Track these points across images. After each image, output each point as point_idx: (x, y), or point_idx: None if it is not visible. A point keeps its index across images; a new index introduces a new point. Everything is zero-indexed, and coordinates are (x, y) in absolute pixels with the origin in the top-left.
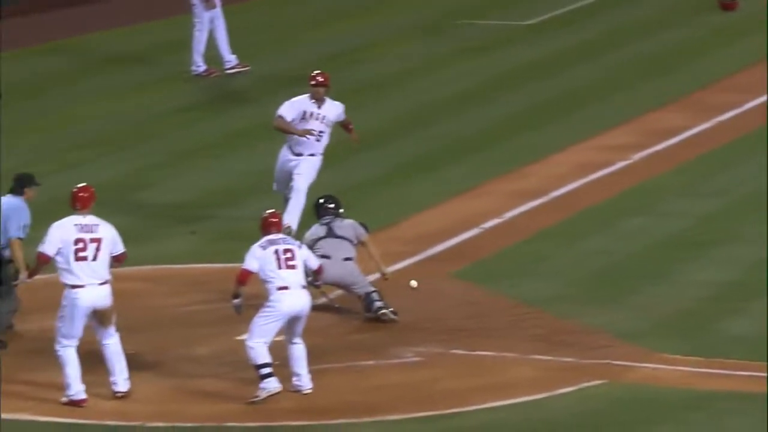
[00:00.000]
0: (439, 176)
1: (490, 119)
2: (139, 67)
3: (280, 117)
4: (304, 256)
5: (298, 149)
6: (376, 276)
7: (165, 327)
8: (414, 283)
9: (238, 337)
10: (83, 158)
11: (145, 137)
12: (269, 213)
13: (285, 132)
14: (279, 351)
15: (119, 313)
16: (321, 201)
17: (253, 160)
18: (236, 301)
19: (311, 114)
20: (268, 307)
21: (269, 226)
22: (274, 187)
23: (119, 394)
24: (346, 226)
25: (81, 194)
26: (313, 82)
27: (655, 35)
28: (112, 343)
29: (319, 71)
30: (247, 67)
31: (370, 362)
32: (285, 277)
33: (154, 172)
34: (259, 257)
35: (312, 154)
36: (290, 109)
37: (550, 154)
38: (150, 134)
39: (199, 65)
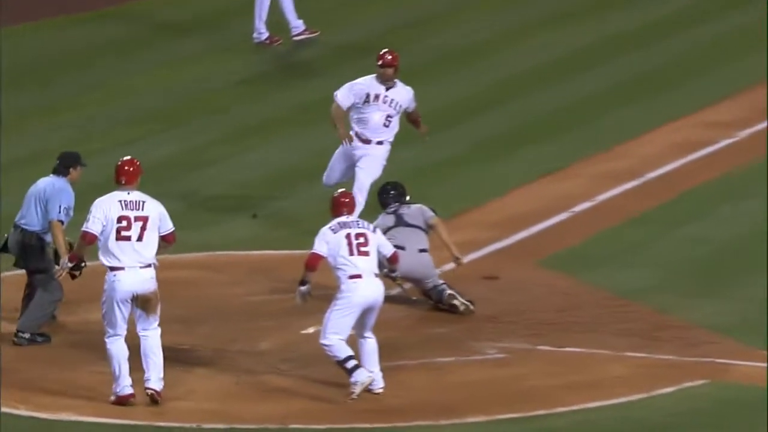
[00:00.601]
0: (524, 156)
1: (579, 93)
2: (195, 35)
3: (337, 106)
4: (377, 241)
5: (365, 134)
6: (445, 268)
7: (224, 319)
8: (311, 330)
9: (305, 331)
10: (135, 135)
11: (202, 112)
12: (340, 192)
13: (333, 124)
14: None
15: (174, 303)
16: (386, 189)
17: (322, 138)
18: (303, 288)
19: (377, 97)
20: (341, 298)
21: (341, 207)
22: (325, 179)
23: (150, 392)
24: (414, 212)
25: (126, 168)
26: (380, 62)
27: (759, 3)
28: (151, 336)
29: (386, 50)
30: (315, 33)
31: (449, 359)
32: (358, 264)
33: (213, 151)
34: (329, 241)
35: (380, 142)
36: (349, 93)
37: (646, 131)
38: (208, 109)
39: (261, 32)
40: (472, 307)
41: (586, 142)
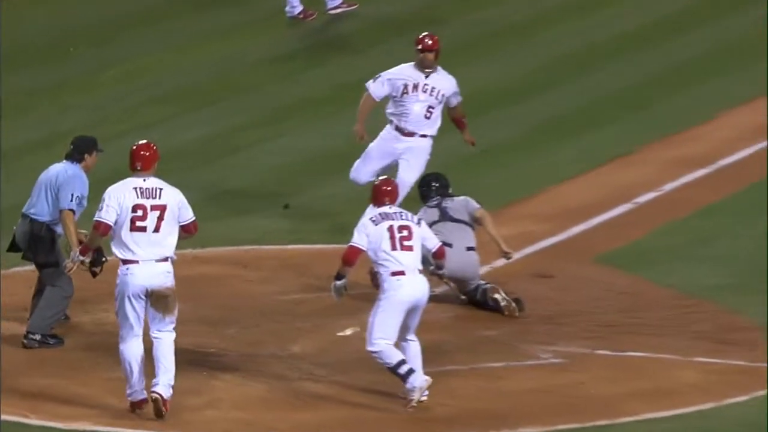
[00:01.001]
0: (582, 141)
1: (647, 71)
2: (224, 8)
3: (368, 96)
4: (422, 234)
5: (407, 127)
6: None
7: (253, 320)
8: (348, 332)
9: (341, 333)
10: (156, 118)
11: (231, 93)
12: (382, 180)
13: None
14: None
15: (198, 302)
16: (427, 180)
17: (370, 120)
18: (338, 282)
19: (416, 86)
20: (383, 298)
21: (382, 195)
22: (353, 173)
23: (154, 396)
24: (458, 205)
25: (142, 152)
26: (419, 47)
27: None
28: (164, 338)
29: (426, 33)
30: (353, 6)
31: (500, 364)
32: (401, 259)
33: (242, 135)
34: (370, 233)
35: (424, 135)
36: (383, 84)
37: (720, 113)
38: (237, 89)
39: (295, 6)
40: (515, 306)
41: (654, 124)
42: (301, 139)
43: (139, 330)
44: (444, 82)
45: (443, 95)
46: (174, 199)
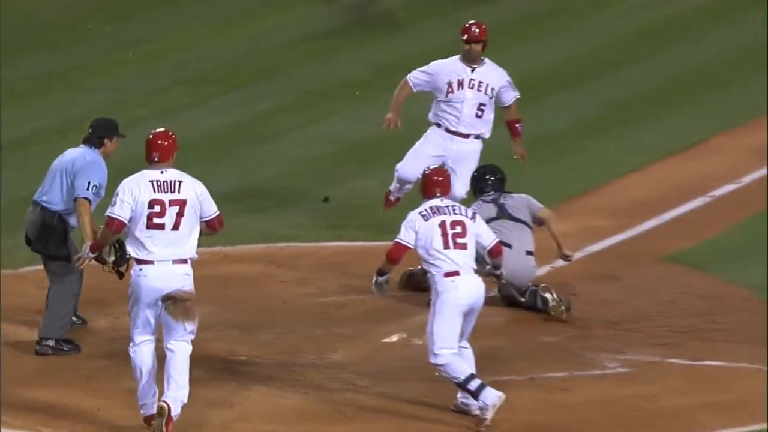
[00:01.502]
0: (652, 127)
1: (722, 49)
2: None
3: (405, 85)
4: (476, 230)
5: (459, 128)
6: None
7: (289, 325)
8: (393, 338)
9: (386, 339)
10: (180, 102)
11: (261, 75)
12: (433, 170)
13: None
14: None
15: (229, 305)
16: (482, 173)
17: (405, 105)
18: (381, 278)
19: (461, 83)
20: (439, 302)
21: (433, 186)
22: (401, 170)
23: (160, 404)
24: (519, 203)
25: (159, 141)
26: (464, 37)
27: None
28: (179, 349)
29: (473, 22)
30: None
31: (561, 373)
32: (455, 258)
33: (274, 121)
34: (419, 230)
35: (478, 136)
36: (425, 79)
37: None
38: (268, 71)
39: None
40: (563, 308)
41: (729, 109)
42: (339, 126)
43: (151, 335)
44: (493, 75)
45: (492, 89)
46: (195, 192)
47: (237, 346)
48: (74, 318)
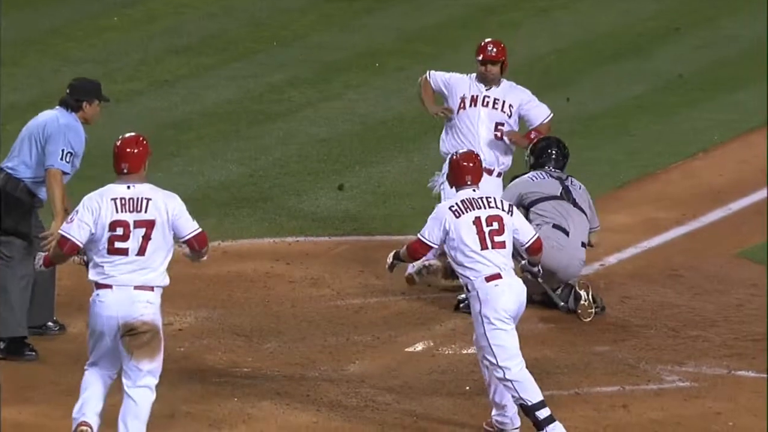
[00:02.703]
0: (724, 103)
1: None
2: None
3: (425, 81)
4: (514, 225)
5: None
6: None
7: (300, 331)
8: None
9: (411, 348)
10: (178, 73)
11: (270, 43)
12: (463, 154)
13: (421, 102)
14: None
15: (232, 308)
16: (545, 146)
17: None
18: (395, 261)
19: (474, 99)
20: (486, 311)
21: (463, 173)
22: (436, 182)
23: (86, 429)
24: (583, 193)
25: (128, 149)
26: (479, 57)
27: None
28: (140, 399)
29: (489, 40)
30: None
31: (613, 388)
32: (494, 260)
33: (285, 95)
34: (450, 227)
35: (500, 174)
36: (443, 80)
37: None
38: (279, 38)
39: None
40: (593, 310)
41: None
42: (358, 103)
43: (111, 371)
44: (511, 94)
45: (511, 107)
46: (166, 211)
47: (239, 357)
48: (51, 323)
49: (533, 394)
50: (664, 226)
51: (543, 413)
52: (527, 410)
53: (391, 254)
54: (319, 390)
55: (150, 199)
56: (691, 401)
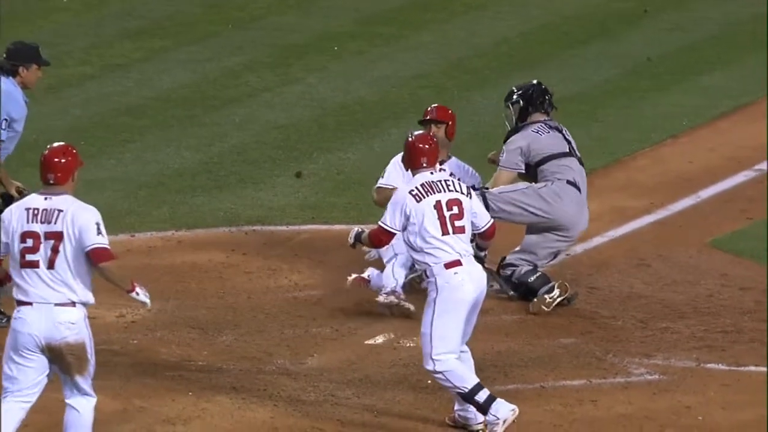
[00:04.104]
0: (694, 86)
1: None
2: None
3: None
4: (472, 208)
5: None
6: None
7: (257, 324)
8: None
9: (371, 341)
10: (133, 57)
11: (235, 22)
12: (418, 136)
13: None
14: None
15: (187, 300)
16: (541, 86)
17: (397, 62)
18: (355, 241)
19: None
20: (440, 300)
21: (419, 155)
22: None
23: None
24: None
25: (55, 159)
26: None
27: None
28: (83, 408)
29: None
30: None
31: (579, 381)
32: (455, 246)
33: (248, 77)
34: (410, 212)
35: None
36: (395, 172)
37: None
38: (236, 20)
39: None
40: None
41: None
42: (317, 87)
43: (26, 392)
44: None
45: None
46: (72, 223)
47: (194, 350)
48: None
49: (467, 380)
50: (632, 215)
51: (482, 395)
52: (466, 397)
53: (353, 233)
54: (277, 384)
55: (62, 211)
56: (660, 395)
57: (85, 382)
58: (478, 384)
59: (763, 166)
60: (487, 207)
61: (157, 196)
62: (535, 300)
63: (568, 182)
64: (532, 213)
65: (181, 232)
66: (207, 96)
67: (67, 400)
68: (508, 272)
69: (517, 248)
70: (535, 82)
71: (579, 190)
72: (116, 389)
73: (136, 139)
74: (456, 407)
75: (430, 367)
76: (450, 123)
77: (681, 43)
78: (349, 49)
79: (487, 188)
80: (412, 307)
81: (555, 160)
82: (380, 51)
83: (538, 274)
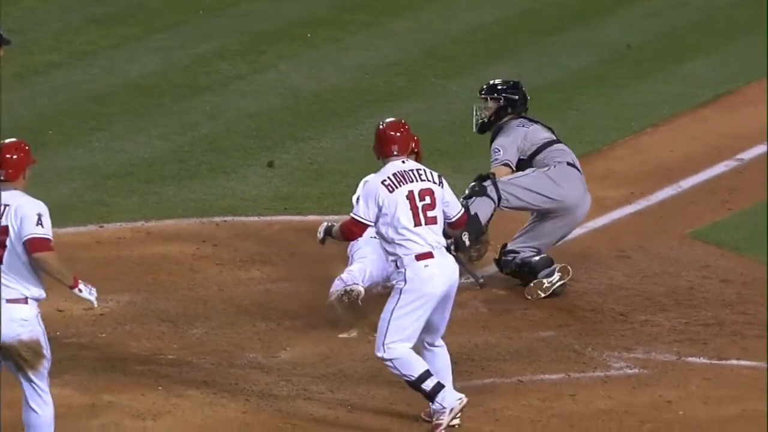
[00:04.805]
0: (674, 74)
1: None
2: None
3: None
4: (444, 198)
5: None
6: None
7: (227, 317)
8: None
9: (345, 335)
10: (101, 44)
11: (205, 9)
12: (390, 122)
13: None
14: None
15: (156, 293)
16: (520, 85)
17: (374, 49)
18: (325, 236)
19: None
20: (407, 291)
21: (390, 143)
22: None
23: None
24: None
25: (6, 156)
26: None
27: None
28: (37, 408)
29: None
30: None
31: (557, 375)
32: (427, 237)
33: (218, 64)
34: (383, 203)
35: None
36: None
37: None
38: (207, 6)
39: None
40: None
41: (764, 55)
42: (290, 75)
43: None
44: None
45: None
46: (16, 215)
47: (164, 344)
48: None
49: (415, 367)
50: (612, 205)
51: (429, 384)
52: (413, 385)
53: (322, 228)
54: (249, 379)
55: (8, 206)
56: (641, 389)
57: (40, 379)
58: (426, 371)
59: (744, 155)
60: (499, 197)
61: (126, 186)
62: (532, 284)
63: (569, 164)
64: (544, 197)
65: (151, 223)
66: (177, 84)
67: (24, 400)
68: (509, 258)
69: (520, 235)
70: (516, 81)
71: (579, 171)
72: (84, 384)
73: (104, 127)
74: (431, 403)
75: (380, 353)
76: (417, 150)
77: (661, 30)
78: (323, 36)
79: (494, 175)
80: (360, 288)
81: (547, 148)
82: (354, 38)
83: (542, 255)
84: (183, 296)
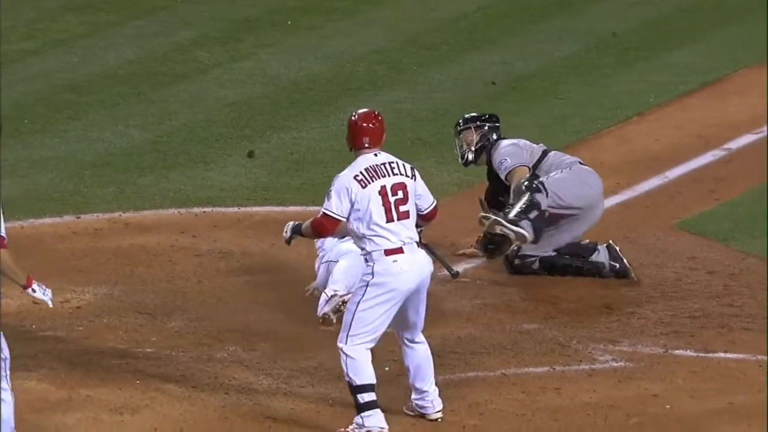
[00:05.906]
0: (661, 62)
1: None
2: None
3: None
4: (417, 191)
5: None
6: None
7: (205, 309)
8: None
9: (327, 327)
10: (77, 31)
11: None
12: (363, 113)
13: None
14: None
15: (133, 285)
16: (496, 117)
17: (362, 36)
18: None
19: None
20: (373, 284)
21: (362, 134)
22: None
23: None
24: None
25: None
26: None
27: None
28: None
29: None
30: None
31: (542, 369)
32: (399, 232)
33: (197, 52)
34: (355, 198)
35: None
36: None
37: None
38: None
39: None
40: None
41: (752, 43)
42: (269, 63)
43: None
44: None
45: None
46: None
47: (142, 336)
48: None
49: (363, 375)
50: None
51: (366, 397)
52: (351, 390)
53: (288, 227)
54: (228, 372)
55: None
56: (626, 382)
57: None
58: (370, 385)
59: (731, 145)
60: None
61: (104, 176)
62: (630, 267)
63: (581, 164)
64: (580, 195)
65: (129, 214)
66: (155, 72)
67: None
68: (517, 262)
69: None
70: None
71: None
72: (61, 377)
73: (80, 116)
74: (413, 396)
75: (341, 344)
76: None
77: (647, 17)
78: (303, 24)
79: (539, 176)
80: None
81: (547, 155)
82: (335, 26)
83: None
84: (161, 288)
